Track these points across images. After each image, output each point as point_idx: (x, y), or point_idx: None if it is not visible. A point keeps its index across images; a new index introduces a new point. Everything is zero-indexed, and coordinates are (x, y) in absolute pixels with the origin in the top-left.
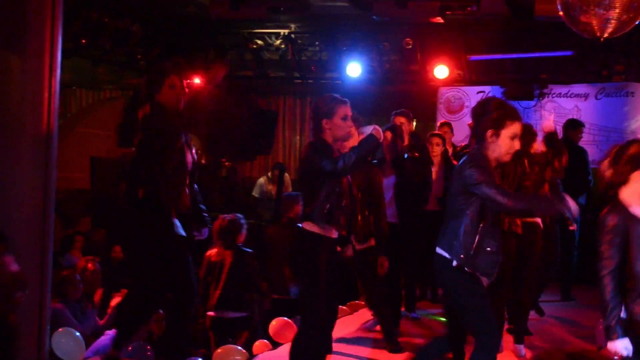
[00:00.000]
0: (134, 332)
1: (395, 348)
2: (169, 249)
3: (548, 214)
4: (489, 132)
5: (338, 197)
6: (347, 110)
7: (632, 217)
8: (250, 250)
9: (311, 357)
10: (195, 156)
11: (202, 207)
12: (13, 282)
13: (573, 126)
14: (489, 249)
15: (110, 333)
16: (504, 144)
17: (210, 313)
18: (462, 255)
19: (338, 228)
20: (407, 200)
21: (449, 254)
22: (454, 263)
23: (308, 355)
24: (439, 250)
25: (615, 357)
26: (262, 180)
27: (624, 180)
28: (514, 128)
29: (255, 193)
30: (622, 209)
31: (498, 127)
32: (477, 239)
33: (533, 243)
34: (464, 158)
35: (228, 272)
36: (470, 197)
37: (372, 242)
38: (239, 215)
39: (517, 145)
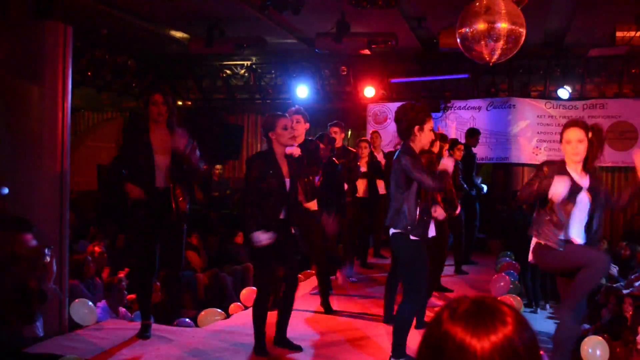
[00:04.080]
0: (148, 301)
1: (329, 310)
2: (142, 231)
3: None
4: (416, 128)
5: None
6: (286, 121)
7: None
8: None
9: (263, 314)
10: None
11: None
12: (33, 254)
13: (470, 134)
14: (425, 218)
15: (101, 304)
16: (426, 135)
17: None
18: (408, 227)
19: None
20: (332, 192)
21: (397, 228)
22: (402, 232)
23: (263, 312)
24: (390, 227)
25: None
26: None
27: None
28: (431, 122)
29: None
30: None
31: (422, 122)
32: (417, 213)
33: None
34: (397, 152)
35: None
36: (410, 182)
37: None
38: None
39: (432, 135)
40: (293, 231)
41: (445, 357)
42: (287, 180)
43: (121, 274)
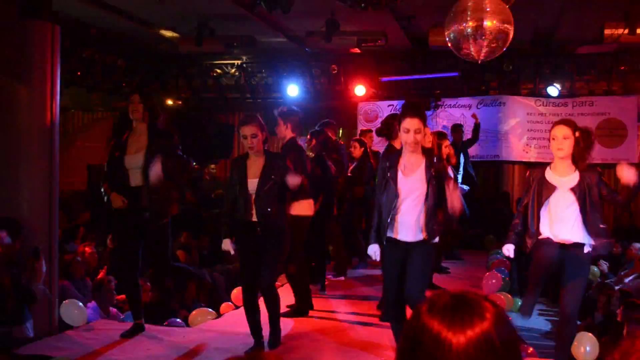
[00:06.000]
0: (137, 300)
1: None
2: (122, 233)
3: None
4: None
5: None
6: (245, 130)
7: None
8: None
9: (245, 307)
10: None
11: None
12: (7, 252)
13: (454, 130)
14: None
15: (91, 305)
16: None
17: None
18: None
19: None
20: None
21: None
22: None
23: (247, 308)
24: None
25: None
26: None
27: None
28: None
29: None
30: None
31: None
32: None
33: None
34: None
35: None
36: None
37: None
38: None
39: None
40: (259, 232)
41: (422, 350)
42: (255, 181)
43: (103, 273)
